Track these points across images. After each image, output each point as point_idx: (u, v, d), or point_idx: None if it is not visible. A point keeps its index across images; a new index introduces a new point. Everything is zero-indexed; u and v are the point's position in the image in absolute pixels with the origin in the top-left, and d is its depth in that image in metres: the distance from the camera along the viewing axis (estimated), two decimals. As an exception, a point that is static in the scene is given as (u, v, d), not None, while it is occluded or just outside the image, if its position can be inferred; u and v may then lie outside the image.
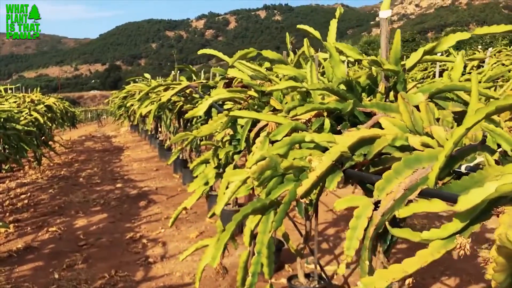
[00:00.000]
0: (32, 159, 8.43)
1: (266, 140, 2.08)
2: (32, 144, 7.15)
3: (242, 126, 2.58)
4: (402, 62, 2.21)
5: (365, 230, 1.29)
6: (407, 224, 2.85)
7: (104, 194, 7.09)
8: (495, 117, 1.66)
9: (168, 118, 7.49)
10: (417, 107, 2.02)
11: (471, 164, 1.36)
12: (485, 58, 4.91)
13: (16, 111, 7.22)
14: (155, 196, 6.84)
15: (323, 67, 3.26)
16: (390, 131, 1.72)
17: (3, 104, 7.14)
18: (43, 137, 8.60)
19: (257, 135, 2.50)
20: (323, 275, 3.50)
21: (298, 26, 2.31)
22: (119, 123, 16.33)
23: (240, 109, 2.81)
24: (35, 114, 7.85)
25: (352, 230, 1.29)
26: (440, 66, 8.46)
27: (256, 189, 2.13)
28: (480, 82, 3.14)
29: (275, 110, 2.51)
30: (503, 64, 5.04)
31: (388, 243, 2.20)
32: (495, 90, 2.88)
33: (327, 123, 1.94)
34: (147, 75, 8.95)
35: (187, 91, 5.13)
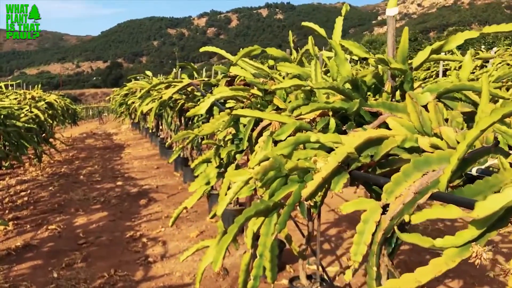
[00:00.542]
0: (32, 156, 8.39)
1: (269, 139, 2.03)
2: (32, 141, 7.11)
3: (244, 125, 2.53)
4: (409, 61, 2.16)
5: (373, 235, 1.24)
6: (410, 225, 2.80)
7: (104, 192, 7.05)
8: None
9: (169, 116, 7.45)
10: (425, 107, 1.97)
11: (482, 167, 1.31)
12: (492, 58, 4.85)
13: (16, 107, 7.18)
14: (155, 195, 6.80)
15: (325, 66, 3.22)
16: (397, 131, 1.67)
17: (3, 101, 7.09)
18: (43, 134, 8.56)
19: (260, 134, 2.45)
20: (325, 277, 3.46)
21: (303, 23, 2.26)
22: (120, 121, 16.29)
23: (242, 107, 2.76)
24: (35, 111, 7.81)
25: (359, 235, 1.24)
26: (443, 65, 8.40)
27: (259, 190, 2.09)
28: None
29: (278, 109, 2.46)
30: (507, 64, 4.98)
31: (393, 246, 2.15)
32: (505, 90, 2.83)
33: (332, 123, 1.89)
34: (148, 73, 8.90)
35: (189, 89, 5.08)
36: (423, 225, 4.95)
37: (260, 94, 2.59)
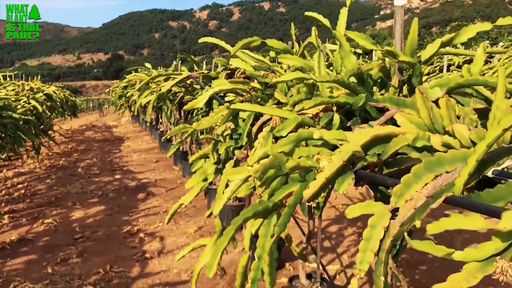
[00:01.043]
0: (30, 148, 8.29)
1: (269, 135, 1.93)
2: (30, 133, 7.00)
3: (244, 120, 2.43)
4: (417, 54, 2.05)
5: (381, 241, 1.14)
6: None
7: (102, 186, 6.96)
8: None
9: (168, 109, 7.35)
10: (435, 103, 1.87)
11: (499, 168, 1.20)
12: (503, 52, 4.72)
13: (13, 99, 7.07)
14: (154, 189, 6.70)
15: (327, 59, 3.10)
16: (406, 129, 1.57)
17: (0, 92, 6.99)
18: (41, 126, 8.45)
19: (260, 129, 2.35)
20: (325, 276, 3.36)
21: (306, 13, 2.15)
22: (120, 113, 16.18)
23: (242, 101, 2.65)
24: (33, 103, 7.70)
25: (366, 241, 1.14)
26: (447, 60, 8.27)
27: (258, 188, 1.98)
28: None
29: (279, 103, 2.36)
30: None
31: (398, 247, 2.05)
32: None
33: (337, 118, 1.78)
34: (148, 65, 8.78)
35: (188, 81, 4.97)
36: (426, 222, 4.85)
37: (260, 87, 2.48)
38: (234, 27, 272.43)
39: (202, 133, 5.43)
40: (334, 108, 1.80)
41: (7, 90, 7.75)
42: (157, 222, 5.17)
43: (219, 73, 4.28)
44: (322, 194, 1.42)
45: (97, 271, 3.88)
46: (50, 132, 9.11)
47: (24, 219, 5.31)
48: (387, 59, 1.98)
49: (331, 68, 2.78)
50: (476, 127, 1.51)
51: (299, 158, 1.60)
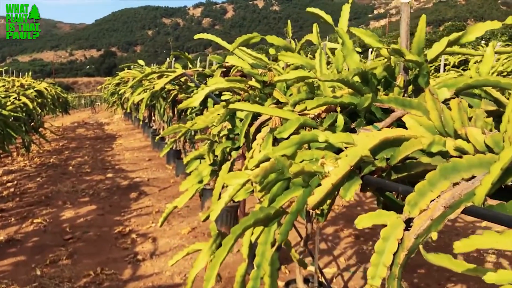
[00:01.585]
0: (20, 146, 8.14)
1: (269, 137, 1.83)
2: (20, 130, 6.84)
3: (241, 120, 2.33)
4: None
5: (394, 254, 1.06)
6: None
7: (93, 184, 6.84)
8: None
9: (161, 107, 7.24)
10: (444, 104, 1.79)
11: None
12: (508, 52, 4.65)
13: (3, 95, 6.93)
14: (146, 188, 6.59)
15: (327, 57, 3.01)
16: (416, 131, 1.48)
17: (-11, 88, 6.84)
18: (32, 123, 8.30)
19: (258, 130, 2.25)
20: (323, 280, 3.28)
21: (308, 9, 2.06)
22: (112, 111, 16.02)
23: (239, 100, 2.56)
24: (23, 99, 7.53)
25: (378, 254, 1.05)
26: (444, 60, 8.22)
27: (256, 193, 1.89)
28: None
29: (278, 103, 2.26)
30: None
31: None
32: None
33: (341, 120, 1.69)
34: (141, 62, 8.65)
35: (182, 79, 4.87)
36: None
37: (258, 86, 2.39)
38: (228, 25, 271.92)
39: (196, 131, 5.33)
40: (338, 109, 1.71)
41: (-3, 87, 7.60)
42: (150, 222, 5.06)
43: (214, 71, 4.18)
44: (328, 201, 1.33)
45: (88, 273, 3.78)
46: (40, 129, 8.95)
47: (13, 219, 5.19)
48: (392, 58, 1.89)
49: (328, 66, 2.69)
50: (490, 130, 1.43)
51: (301, 161, 1.51)
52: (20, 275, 3.76)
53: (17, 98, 7.44)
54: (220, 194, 2.48)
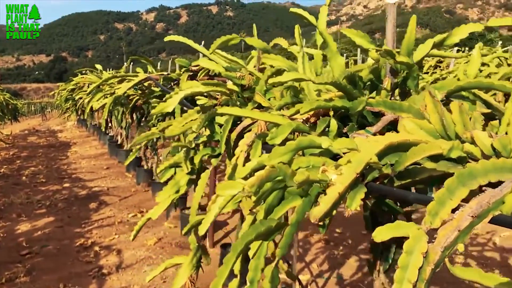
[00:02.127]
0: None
1: (258, 143, 1.73)
2: (-33, 139, 6.47)
3: (221, 125, 2.22)
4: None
5: (419, 269, 0.98)
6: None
7: (50, 195, 6.51)
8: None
9: (119, 113, 7.02)
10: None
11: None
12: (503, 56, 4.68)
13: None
14: (106, 197, 6.33)
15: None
16: (417, 135, 1.42)
17: None
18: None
19: (240, 135, 2.15)
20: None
21: (291, 9, 1.98)
22: (65, 117, 15.46)
23: (216, 105, 2.44)
24: (-29, 106, 7.13)
25: (402, 270, 0.97)
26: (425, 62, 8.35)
27: (244, 203, 1.79)
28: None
29: (260, 107, 2.17)
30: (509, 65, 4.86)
31: (390, 261, 1.92)
32: None
33: (334, 124, 1.62)
34: (98, 66, 8.35)
35: (146, 84, 4.69)
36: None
37: (237, 89, 2.29)
38: (182, 30, 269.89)
39: (158, 138, 5.16)
40: (331, 113, 1.64)
41: None
42: (113, 233, 4.84)
43: (180, 74, 4.04)
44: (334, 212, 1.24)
45: (49, 291, 3.55)
46: (-11, 137, 8.50)
47: (-38, 234, 4.84)
48: (382, 60, 1.84)
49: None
50: (496, 133, 1.38)
51: (297, 169, 1.42)
52: (-26, 296, 3.50)
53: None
54: (197, 204, 2.36)
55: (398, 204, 1.67)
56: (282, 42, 2.53)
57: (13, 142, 12.89)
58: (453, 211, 1.06)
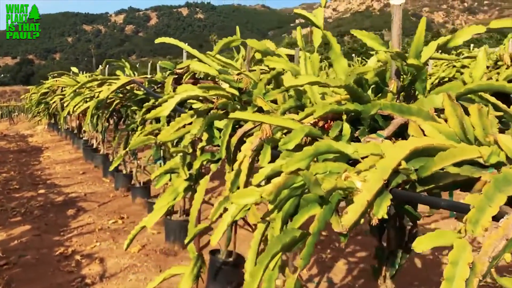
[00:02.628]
0: None
1: (267, 148, 1.68)
2: None
3: (220, 130, 2.16)
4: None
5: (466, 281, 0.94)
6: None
7: (24, 202, 6.29)
8: None
9: (94, 117, 6.85)
10: (440, 111, 1.73)
11: None
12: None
13: None
14: (84, 204, 6.16)
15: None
16: (436, 139, 1.39)
17: None
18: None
19: (241, 140, 2.09)
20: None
21: (295, 10, 1.93)
22: (35, 121, 15.04)
23: (212, 109, 2.37)
24: None
25: (448, 282, 0.93)
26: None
27: (251, 215, 1.73)
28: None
29: (259, 111, 2.11)
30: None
31: (396, 267, 1.89)
32: None
33: (347, 128, 1.57)
34: (74, 69, 8.14)
35: (127, 87, 4.58)
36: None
37: (236, 93, 2.23)
38: (152, 32, 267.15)
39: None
40: (344, 117, 1.59)
41: None
42: (94, 241, 4.69)
43: (165, 77, 3.95)
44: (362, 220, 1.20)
45: (31, 303, 3.40)
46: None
47: None
48: (392, 62, 1.81)
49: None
50: (519, 137, 1.36)
51: (315, 175, 1.37)
52: (-49, 310, 3.32)
53: None
54: (196, 212, 2.28)
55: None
56: (270, 44, 2.49)
57: (-19, 147, 12.47)
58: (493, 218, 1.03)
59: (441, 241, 1.01)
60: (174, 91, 3.05)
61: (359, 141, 1.67)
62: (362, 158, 1.39)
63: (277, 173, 1.43)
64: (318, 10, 2.19)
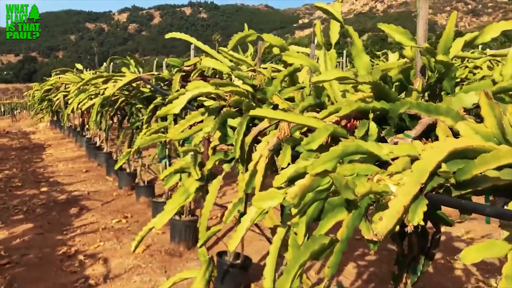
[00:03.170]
0: None
1: (287, 148, 1.59)
2: None
3: (233, 128, 2.07)
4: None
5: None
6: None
7: (27, 200, 6.20)
8: None
9: (98, 114, 6.76)
10: (468, 111, 1.66)
11: None
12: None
13: None
14: (87, 202, 6.07)
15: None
16: (474, 140, 1.30)
17: None
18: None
19: (255, 139, 2.00)
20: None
21: (315, 4, 1.84)
22: (38, 118, 14.97)
23: (224, 106, 2.28)
24: None
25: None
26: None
27: (268, 218, 1.64)
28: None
29: (275, 109, 2.02)
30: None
31: (418, 274, 1.80)
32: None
33: (374, 128, 1.48)
34: (79, 66, 8.05)
35: (133, 84, 4.48)
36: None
37: (250, 90, 2.13)
38: (155, 31, 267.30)
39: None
40: (371, 115, 1.50)
41: None
42: (97, 240, 4.60)
43: (172, 74, 3.86)
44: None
45: (33, 304, 3.32)
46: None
47: None
48: (418, 59, 1.71)
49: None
50: None
51: (344, 176, 1.28)
52: (-49, 311, 3.23)
53: None
54: (208, 214, 2.19)
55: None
56: (319, 35, 2.38)
57: (-17, 144, 12.40)
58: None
59: (493, 253, 0.92)
60: (181, 88, 2.96)
61: (384, 141, 1.58)
62: (392, 159, 1.30)
63: (301, 175, 1.33)
64: (336, 4, 2.10)
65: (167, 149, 4.82)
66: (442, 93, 1.84)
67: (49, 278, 3.78)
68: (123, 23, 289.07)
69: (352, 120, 1.67)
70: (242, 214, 2.24)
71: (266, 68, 2.46)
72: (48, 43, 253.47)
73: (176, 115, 3.39)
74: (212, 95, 2.29)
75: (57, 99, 8.29)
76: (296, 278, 1.27)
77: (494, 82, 1.72)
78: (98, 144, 8.98)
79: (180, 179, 2.32)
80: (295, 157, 1.73)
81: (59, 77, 8.63)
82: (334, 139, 1.61)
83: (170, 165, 4.95)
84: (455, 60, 5.71)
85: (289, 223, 1.34)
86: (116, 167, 3.62)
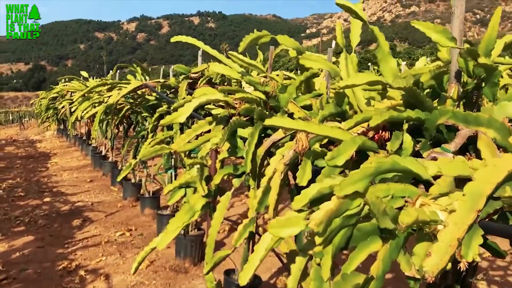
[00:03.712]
0: None
1: (307, 163, 1.38)
2: None
3: (243, 139, 1.87)
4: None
5: None
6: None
7: (29, 210, 6.03)
8: None
9: (104, 123, 6.61)
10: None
11: None
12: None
13: None
14: (91, 213, 5.88)
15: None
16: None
17: None
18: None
19: (268, 151, 1.80)
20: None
21: (337, 1, 1.64)
22: (44, 127, 14.86)
23: (233, 114, 2.09)
24: None
25: None
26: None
27: (283, 242, 1.43)
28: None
29: (290, 118, 1.82)
30: None
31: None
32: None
33: (409, 141, 1.28)
34: (84, 73, 7.92)
35: (138, 92, 4.31)
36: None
37: (263, 97, 1.94)
38: (163, 40, 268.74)
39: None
40: (405, 126, 1.29)
41: None
42: (99, 255, 4.41)
43: (179, 82, 3.68)
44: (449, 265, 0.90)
45: (29, 325, 3.12)
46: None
47: None
48: (454, 63, 1.51)
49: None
50: None
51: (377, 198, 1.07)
52: None
53: None
54: (216, 234, 1.99)
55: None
56: (340, 39, 2.20)
57: (-11, 152, 12.28)
58: None
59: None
60: (187, 96, 2.79)
61: (419, 155, 1.38)
62: (435, 178, 1.10)
63: (325, 196, 1.13)
64: (357, 4, 1.91)
65: (172, 159, 4.64)
66: (480, 100, 1.64)
67: (47, 295, 3.59)
68: (132, 33, 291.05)
69: (380, 131, 1.47)
70: (253, 233, 2.04)
71: (278, 75, 2.27)
72: (57, 52, 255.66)
73: (182, 124, 3.21)
74: (221, 103, 2.09)
75: (62, 107, 8.14)
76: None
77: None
78: (103, 153, 8.82)
79: (185, 195, 2.13)
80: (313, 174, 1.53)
81: (65, 85, 8.49)
82: (360, 152, 1.41)
83: (176, 175, 4.76)
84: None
85: (311, 252, 1.13)
86: (119, 178, 3.44)
